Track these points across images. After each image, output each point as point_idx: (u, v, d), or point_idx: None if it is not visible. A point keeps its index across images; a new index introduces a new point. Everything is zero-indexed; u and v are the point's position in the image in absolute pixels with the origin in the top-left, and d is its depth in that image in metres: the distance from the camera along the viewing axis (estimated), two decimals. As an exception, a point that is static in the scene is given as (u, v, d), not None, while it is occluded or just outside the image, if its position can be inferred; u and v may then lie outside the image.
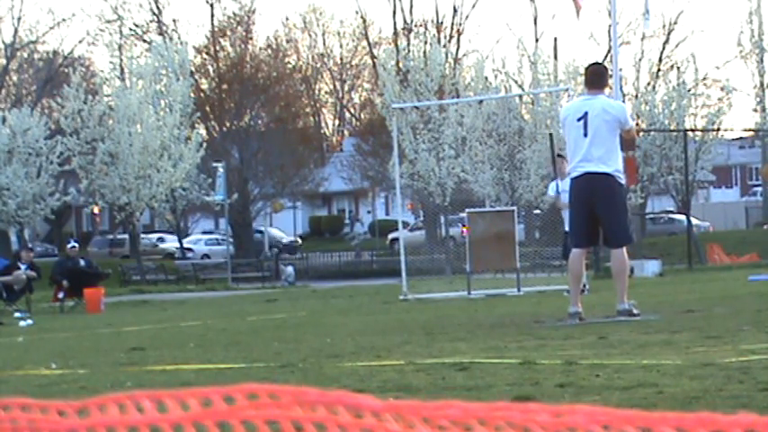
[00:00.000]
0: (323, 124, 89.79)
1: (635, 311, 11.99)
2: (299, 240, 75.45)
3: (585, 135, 12.01)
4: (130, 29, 67.72)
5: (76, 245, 29.81)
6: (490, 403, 1.10)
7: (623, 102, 42.55)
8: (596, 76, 12.39)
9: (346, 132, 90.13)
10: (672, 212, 59.75)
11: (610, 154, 11.95)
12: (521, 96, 49.81)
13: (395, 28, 67.44)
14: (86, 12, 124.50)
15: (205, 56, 66.90)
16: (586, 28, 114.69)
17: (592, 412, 1.02)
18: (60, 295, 27.28)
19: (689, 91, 46.49)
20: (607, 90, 12.68)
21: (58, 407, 1.33)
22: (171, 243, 68.51)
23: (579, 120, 12.10)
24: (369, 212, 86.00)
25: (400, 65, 51.60)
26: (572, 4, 28.65)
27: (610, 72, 12.95)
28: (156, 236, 72.17)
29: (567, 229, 19.09)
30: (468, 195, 47.83)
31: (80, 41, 74.00)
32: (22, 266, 26.17)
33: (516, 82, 50.40)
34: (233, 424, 1.28)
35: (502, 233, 22.35)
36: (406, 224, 48.19)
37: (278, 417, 1.22)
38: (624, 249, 12.22)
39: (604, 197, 12.03)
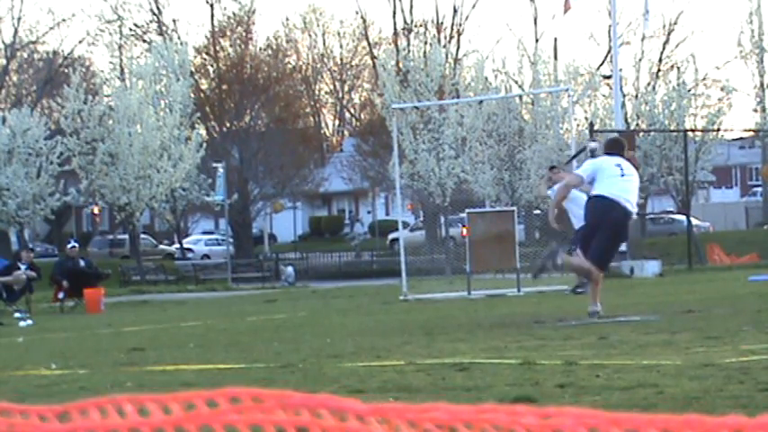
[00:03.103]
0: (323, 124, 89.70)
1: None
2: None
3: None
4: (130, 29, 67.64)
5: (76, 245, 29.78)
6: (476, 405, 1.08)
7: (623, 103, 42.59)
8: (607, 146, 13.45)
9: (346, 132, 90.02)
10: (672, 213, 59.68)
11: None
12: (521, 96, 49.75)
13: (395, 28, 67.43)
14: (86, 12, 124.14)
15: (205, 56, 66.80)
16: (586, 28, 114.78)
17: (579, 414, 1.00)
18: (60, 295, 27.26)
19: (689, 91, 46.42)
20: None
21: (39, 411, 1.30)
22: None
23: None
24: (369, 212, 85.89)
25: (400, 65, 51.53)
26: (562, 3, 28.65)
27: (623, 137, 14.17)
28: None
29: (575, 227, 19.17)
30: (468, 195, 47.78)
31: (80, 41, 73.41)
32: (22, 266, 26.15)
33: (516, 82, 50.36)
34: (215, 428, 1.25)
35: (502, 233, 22.34)
36: (405, 224, 48.16)
37: (261, 421, 1.20)
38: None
39: None
